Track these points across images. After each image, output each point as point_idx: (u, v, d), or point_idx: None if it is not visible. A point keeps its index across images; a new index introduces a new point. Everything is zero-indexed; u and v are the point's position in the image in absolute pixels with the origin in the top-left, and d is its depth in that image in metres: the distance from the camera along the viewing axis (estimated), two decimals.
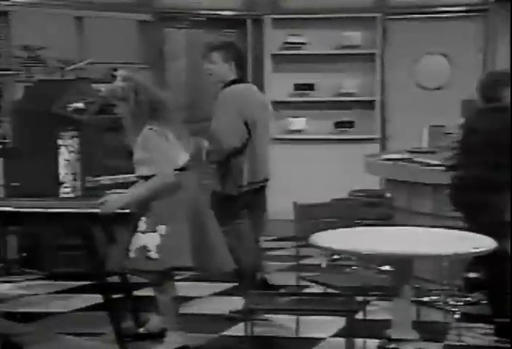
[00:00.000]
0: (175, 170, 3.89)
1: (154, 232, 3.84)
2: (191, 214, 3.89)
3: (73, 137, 6.07)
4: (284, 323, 4.19)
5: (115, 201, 3.90)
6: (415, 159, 5.38)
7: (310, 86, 7.79)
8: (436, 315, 4.57)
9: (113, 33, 7.10)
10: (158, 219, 3.86)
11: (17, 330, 4.51)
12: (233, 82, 4.61)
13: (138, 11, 7.28)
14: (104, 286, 4.12)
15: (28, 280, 5.69)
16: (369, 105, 7.89)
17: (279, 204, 7.63)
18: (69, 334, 4.48)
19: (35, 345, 4.30)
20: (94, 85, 6.36)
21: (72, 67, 6.54)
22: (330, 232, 3.66)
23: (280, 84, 7.76)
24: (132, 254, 3.84)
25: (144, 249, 3.82)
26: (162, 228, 3.84)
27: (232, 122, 4.47)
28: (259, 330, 3.75)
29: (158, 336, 4.04)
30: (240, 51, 4.83)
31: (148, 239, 3.82)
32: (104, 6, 6.94)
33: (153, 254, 3.80)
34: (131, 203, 3.90)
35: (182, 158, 3.95)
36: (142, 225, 3.87)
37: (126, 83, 3.93)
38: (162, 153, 3.85)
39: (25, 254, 6.11)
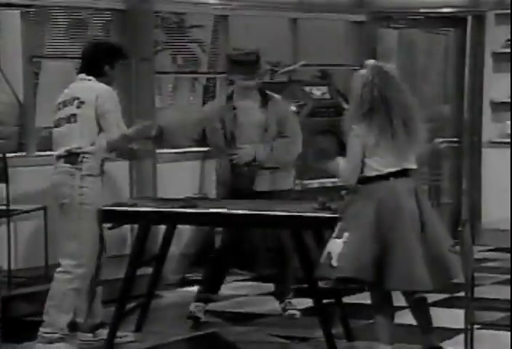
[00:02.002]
0: (379, 176, 3.76)
1: (340, 238, 3.74)
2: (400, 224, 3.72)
3: None
4: (505, 340, 4.04)
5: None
6: None
7: None
8: None
9: (326, 35, 7.18)
10: (346, 225, 3.76)
11: (229, 330, 4.69)
12: None
13: (353, 12, 7.31)
14: (314, 291, 4.18)
15: (236, 281, 5.87)
16: None
17: (495, 213, 7.40)
18: (279, 336, 4.59)
19: (248, 345, 4.45)
20: (306, 87, 6.49)
21: (285, 69, 6.70)
22: None
23: (501, 85, 7.47)
24: (321, 260, 3.79)
25: (329, 255, 3.74)
26: (346, 235, 3.73)
27: None
28: (478, 345, 3.64)
29: None
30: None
31: (333, 245, 3.75)
32: (319, 8, 7.04)
33: (334, 262, 3.72)
34: None
35: (390, 165, 3.77)
36: (336, 229, 3.81)
37: (368, 72, 3.73)
38: (351, 156, 3.77)
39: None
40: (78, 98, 4.23)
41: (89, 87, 4.25)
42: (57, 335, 4.18)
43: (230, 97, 4.86)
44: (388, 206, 3.72)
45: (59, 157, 4.24)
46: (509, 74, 7.28)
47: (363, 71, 3.79)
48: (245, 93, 4.78)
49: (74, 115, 4.23)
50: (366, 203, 3.75)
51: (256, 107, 4.78)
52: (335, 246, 3.74)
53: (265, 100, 4.80)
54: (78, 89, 4.28)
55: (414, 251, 3.71)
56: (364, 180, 3.80)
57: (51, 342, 4.18)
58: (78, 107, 4.23)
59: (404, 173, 3.80)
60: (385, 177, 3.77)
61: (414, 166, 3.84)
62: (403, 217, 3.72)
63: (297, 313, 4.93)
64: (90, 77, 4.29)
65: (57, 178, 4.25)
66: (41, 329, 4.20)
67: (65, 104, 4.29)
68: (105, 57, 4.31)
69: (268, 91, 4.88)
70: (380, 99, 3.71)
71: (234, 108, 4.79)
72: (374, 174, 3.78)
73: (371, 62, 3.82)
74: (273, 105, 4.80)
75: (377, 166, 3.77)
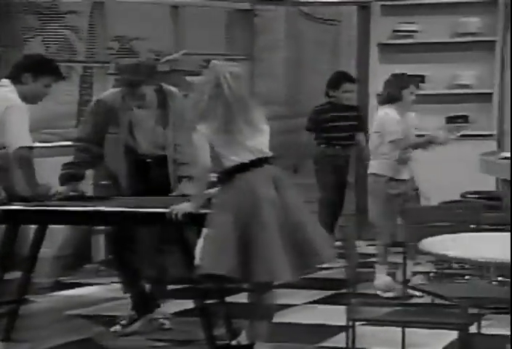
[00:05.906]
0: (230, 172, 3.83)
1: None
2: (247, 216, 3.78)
3: None
4: (387, 336, 4.10)
5: (184, 206, 3.92)
6: None
7: (420, 78, 7.58)
8: None
9: (209, 23, 7.14)
10: (207, 222, 3.82)
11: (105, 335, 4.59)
12: None
13: (236, 0, 7.28)
14: (196, 291, 4.13)
15: (115, 282, 5.76)
16: (487, 97, 7.63)
17: None
18: (159, 340, 4.52)
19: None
20: (188, 77, 6.42)
21: (166, 58, 6.61)
22: (442, 237, 3.54)
23: (387, 76, 7.59)
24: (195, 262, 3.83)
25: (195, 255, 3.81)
26: (204, 231, 3.79)
27: None
28: (361, 342, 3.66)
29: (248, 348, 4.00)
30: None
31: (198, 244, 3.81)
32: None
33: (197, 261, 3.77)
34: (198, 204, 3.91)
35: (242, 156, 3.86)
36: None
37: (207, 72, 3.89)
38: (200, 154, 3.83)
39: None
40: None
41: (2, 95, 4.15)
42: None
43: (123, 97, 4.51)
44: (244, 197, 3.80)
45: None
46: (394, 65, 7.42)
47: (208, 71, 3.91)
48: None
49: None
50: (225, 196, 3.84)
51: (154, 107, 4.51)
52: (199, 244, 3.77)
53: (162, 97, 4.55)
54: None
55: (274, 242, 3.75)
56: (224, 174, 3.87)
57: None
58: None
59: (258, 163, 3.88)
60: (240, 168, 3.85)
61: (268, 155, 3.93)
62: (261, 207, 3.78)
63: (167, 322, 4.71)
64: (6, 81, 4.17)
65: None
66: None
67: None
68: (28, 64, 4.20)
69: (164, 85, 4.62)
70: (222, 96, 3.83)
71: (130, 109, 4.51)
72: (230, 165, 3.86)
73: (216, 62, 3.95)
74: (172, 100, 4.56)
75: (229, 159, 3.85)
